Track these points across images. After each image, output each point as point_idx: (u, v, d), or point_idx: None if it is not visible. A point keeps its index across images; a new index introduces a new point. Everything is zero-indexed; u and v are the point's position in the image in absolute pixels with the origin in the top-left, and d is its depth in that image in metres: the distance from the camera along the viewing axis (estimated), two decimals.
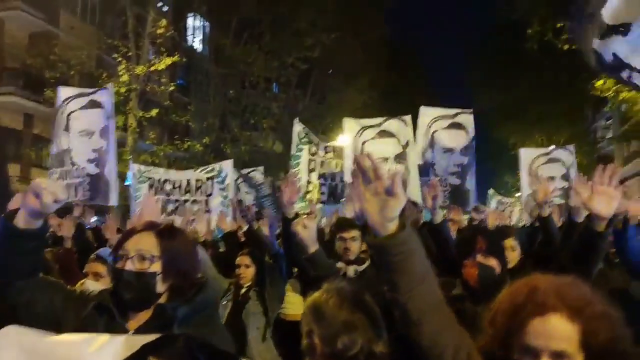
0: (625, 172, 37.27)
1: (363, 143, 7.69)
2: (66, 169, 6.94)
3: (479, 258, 2.78)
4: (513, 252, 3.97)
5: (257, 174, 11.16)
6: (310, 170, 8.23)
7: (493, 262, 2.78)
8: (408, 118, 7.90)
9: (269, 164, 25.42)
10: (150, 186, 8.11)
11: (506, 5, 23.99)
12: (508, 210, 14.80)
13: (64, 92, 7.29)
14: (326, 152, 8.34)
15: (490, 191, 15.60)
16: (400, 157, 7.62)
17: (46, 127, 21.59)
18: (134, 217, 5.25)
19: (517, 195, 32.87)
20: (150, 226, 2.10)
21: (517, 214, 14.04)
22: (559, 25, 20.23)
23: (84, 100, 7.12)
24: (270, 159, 27.83)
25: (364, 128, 7.78)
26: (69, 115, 7.04)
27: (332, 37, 26.13)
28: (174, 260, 2.03)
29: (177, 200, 8.06)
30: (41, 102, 21.24)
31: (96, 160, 6.95)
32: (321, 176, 8.22)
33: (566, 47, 20.47)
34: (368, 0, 29.96)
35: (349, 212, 6.15)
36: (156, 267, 2.00)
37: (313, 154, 8.31)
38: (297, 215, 4.43)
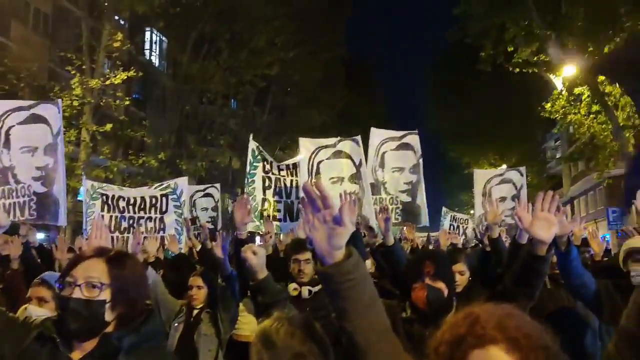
0: (573, 191, 38.68)
1: (319, 163, 7.77)
2: (9, 187, 6.56)
3: (428, 281, 2.83)
4: (462, 276, 4.06)
5: (214, 191, 11.05)
6: (266, 188, 8.20)
7: (441, 285, 2.84)
8: (359, 139, 8.06)
9: (226, 181, 25.31)
10: (104, 203, 7.88)
11: (459, 29, 24.70)
12: (462, 227, 15.08)
13: (1, 106, 6.78)
14: (280, 170, 8.34)
15: (444, 209, 15.86)
16: (355, 177, 7.73)
17: None
18: (84, 242, 5.13)
19: (471, 212, 33.65)
20: (100, 252, 2.05)
21: (471, 231, 14.33)
22: (510, 49, 20.98)
23: (24, 115, 6.69)
24: (227, 176, 27.67)
25: (319, 148, 7.86)
26: (8, 130, 6.62)
27: (290, 56, 26.31)
28: (123, 288, 1.99)
29: (131, 218, 7.87)
30: None
31: (42, 178, 6.61)
32: (277, 193, 8.21)
33: (517, 70, 21.26)
34: (327, 19, 30.31)
35: (302, 233, 6.18)
36: (105, 295, 1.95)
37: (267, 172, 8.29)
38: (252, 235, 4.43)
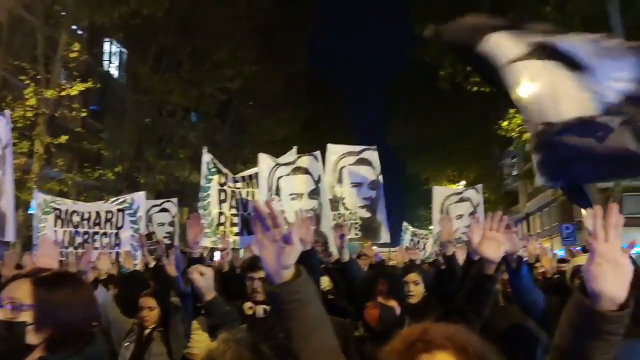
0: (528, 208, 39.67)
1: (278, 179, 7.73)
2: None
3: (380, 300, 2.85)
4: (417, 286, 4.11)
5: (170, 206, 10.86)
6: (221, 201, 8.09)
7: (393, 304, 2.86)
8: (318, 154, 8.05)
9: (185, 195, 24.95)
10: (57, 217, 7.66)
11: (419, 47, 25.20)
12: (422, 242, 15.27)
13: None
14: (236, 182, 8.25)
15: (405, 224, 16.03)
16: (314, 193, 7.70)
17: None
18: (32, 258, 4.90)
19: (430, 227, 34.09)
20: (31, 273, 2.00)
21: (430, 247, 14.53)
22: (468, 68, 21.52)
23: None
24: (186, 189, 27.28)
25: (279, 165, 7.83)
26: None
27: (253, 70, 26.27)
28: (50, 311, 1.92)
29: (85, 233, 7.67)
30: None
31: None
32: (233, 207, 8.12)
33: (475, 89, 21.80)
34: (289, 34, 30.47)
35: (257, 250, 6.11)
36: (26, 316, 1.88)
37: (222, 184, 8.19)
38: (212, 250, 4.37)
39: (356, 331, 2.94)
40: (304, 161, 7.91)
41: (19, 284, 1.94)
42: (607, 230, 1.61)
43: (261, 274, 3.99)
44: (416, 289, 3.99)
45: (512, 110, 22.04)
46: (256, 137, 31.36)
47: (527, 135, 20.72)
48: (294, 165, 7.87)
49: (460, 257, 4.94)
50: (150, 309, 4.57)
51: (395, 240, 13.70)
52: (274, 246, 1.64)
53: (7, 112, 6.66)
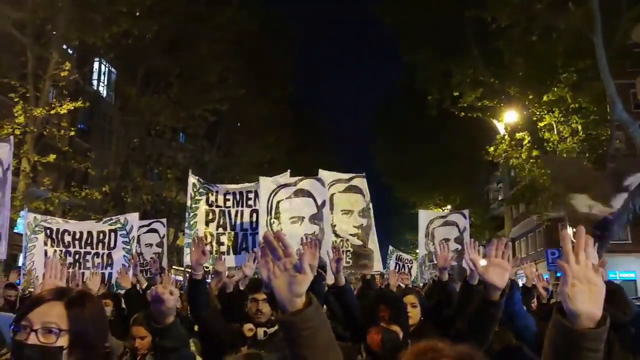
0: (514, 233, 39.91)
1: (278, 202, 7.65)
2: None
3: (383, 324, 2.88)
4: (414, 308, 4.13)
5: (159, 226, 10.80)
6: (209, 221, 8.08)
7: (396, 329, 2.88)
8: (325, 179, 8.01)
9: (172, 215, 24.82)
10: (47, 236, 7.58)
11: (407, 73, 25.56)
12: (407, 266, 15.29)
13: None
14: (226, 200, 8.23)
15: (390, 248, 16.07)
16: (316, 218, 7.58)
17: None
18: (38, 284, 4.79)
19: (417, 251, 34.09)
20: (59, 295, 1.95)
21: (414, 271, 14.56)
22: (455, 94, 21.87)
23: None
24: (173, 210, 27.14)
25: (280, 187, 7.74)
26: None
27: (240, 92, 26.40)
28: (82, 333, 1.90)
29: (77, 253, 7.59)
30: None
31: None
32: (220, 226, 8.10)
33: (462, 114, 22.13)
34: (277, 59, 30.73)
35: (249, 271, 6.09)
36: (63, 341, 1.85)
37: (211, 204, 8.19)
38: (206, 273, 4.37)
39: (359, 355, 2.96)
40: (307, 184, 7.81)
41: (51, 307, 1.90)
42: (577, 252, 1.68)
43: (264, 295, 4.00)
44: (413, 312, 4.01)
45: (498, 136, 22.39)
46: (243, 160, 31.39)
47: (513, 161, 21.04)
48: (296, 188, 7.77)
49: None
50: (142, 339, 4.50)
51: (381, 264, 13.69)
52: (286, 275, 1.66)
53: (12, 138, 6.73)
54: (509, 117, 21.60)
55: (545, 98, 18.55)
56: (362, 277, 7.83)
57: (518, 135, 20.88)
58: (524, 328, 3.48)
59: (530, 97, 19.20)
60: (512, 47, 18.55)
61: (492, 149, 21.87)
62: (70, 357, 1.89)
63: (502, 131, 22.82)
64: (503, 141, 21.47)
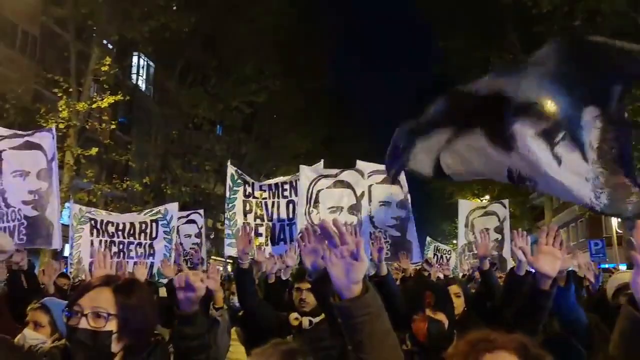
0: (554, 223, 39.06)
1: (318, 191, 7.65)
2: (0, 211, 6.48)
3: (428, 312, 2.84)
4: (458, 298, 4.08)
5: (197, 217, 10.97)
6: (246, 212, 8.17)
7: (442, 317, 2.84)
8: (365, 170, 7.94)
9: (210, 206, 25.18)
10: (92, 227, 7.82)
11: (441, 62, 25.12)
12: (445, 257, 15.14)
13: None
14: (262, 191, 8.30)
15: (428, 239, 15.92)
16: (354, 209, 7.56)
17: None
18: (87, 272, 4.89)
19: (454, 242, 33.67)
20: (108, 281, 2.03)
21: (453, 262, 14.40)
22: None
23: (19, 141, 6.72)
24: (211, 201, 27.52)
25: (320, 177, 7.75)
26: (0, 154, 6.62)
27: (276, 84, 26.49)
28: (130, 319, 1.96)
29: (120, 243, 7.79)
30: None
31: (34, 202, 6.54)
32: (258, 217, 8.17)
33: None
34: (311, 50, 30.68)
35: (291, 260, 6.12)
36: (112, 325, 1.92)
37: (248, 196, 8.27)
38: (252, 263, 4.41)
39: (403, 345, 2.93)
40: (347, 175, 7.80)
41: (100, 292, 1.97)
42: None
43: (309, 284, 4.02)
44: (457, 302, 3.95)
45: None
46: (280, 151, 31.53)
47: None
48: (336, 179, 7.77)
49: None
50: None
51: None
52: (343, 262, 1.69)
53: (53, 128, 7.05)
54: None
55: None
56: (403, 270, 7.76)
57: None
58: (574, 321, 3.33)
59: None
60: (554, 33, 18.00)
61: None
62: (120, 342, 1.95)
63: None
64: None
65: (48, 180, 6.68)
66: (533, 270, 5.18)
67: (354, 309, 1.64)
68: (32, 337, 3.00)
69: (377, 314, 1.67)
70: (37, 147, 6.74)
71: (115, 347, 1.93)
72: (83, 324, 1.90)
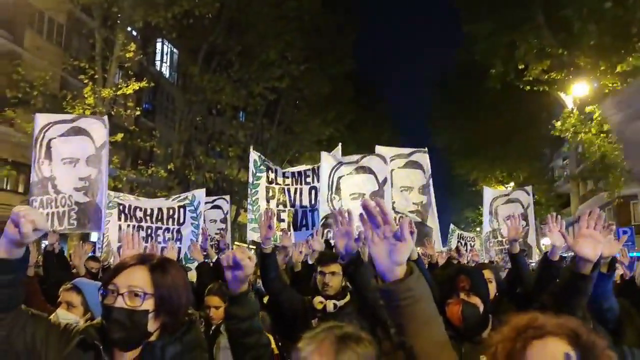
0: (581, 211, 38.43)
1: (339, 178, 7.66)
2: (49, 197, 6.68)
3: (463, 296, 2.79)
4: (490, 284, 4.01)
5: (223, 203, 11.03)
6: (269, 198, 8.20)
7: (477, 301, 2.79)
8: (387, 156, 7.90)
9: (233, 192, 25.34)
10: (120, 212, 7.92)
11: (468, 46, 24.72)
12: (470, 245, 15.06)
13: (42, 119, 7.01)
14: (285, 178, 8.31)
15: (452, 226, 15.85)
16: (377, 194, 7.50)
17: (5, 147, 20.94)
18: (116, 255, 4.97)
19: (477, 229, 33.42)
20: (143, 260, 2.02)
21: (478, 248, 14.31)
22: (521, 66, 20.99)
23: (65, 127, 6.91)
24: (235, 187, 27.69)
25: (341, 163, 7.76)
26: (49, 142, 6.83)
27: (300, 69, 26.38)
28: (166, 297, 1.95)
29: (149, 228, 7.88)
30: (0, 122, 20.66)
31: (85, 188, 6.74)
32: (280, 203, 8.19)
33: (527, 88, 21.25)
34: (336, 35, 30.48)
35: (318, 245, 6.12)
36: (148, 304, 1.92)
37: (271, 182, 8.30)
38: (275, 248, 4.41)
39: None
40: (370, 161, 7.77)
41: (135, 271, 1.97)
42: None
43: (333, 268, 4.00)
44: (489, 287, 3.90)
45: (566, 110, 21.41)
46: (303, 137, 31.49)
47: (581, 136, 20.11)
48: (357, 165, 7.76)
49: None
50: (217, 308, 4.60)
51: (442, 242, 13.60)
52: (385, 243, 1.64)
53: (106, 117, 7.32)
54: (577, 90, 20.54)
55: (619, 68, 17.46)
56: (429, 256, 7.68)
57: (588, 109, 19.84)
58: (608, 309, 3.19)
59: (602, 68, 18.13)
60: (583, 15, 17.54)
61: (559, 123, 20.93)
62: (156, 321, 1.94)
63: (569, 105, 21.79)
64: (571, 115, 20.51)
65: (97, 166, 6.88)
66: (565, 256, 5.09)
67: (397, 291, 1.59)
68: (65, 317, 3.06)
69: (422, 297, 1.62)
70: (83, 132, 6.94)
71: (151, 326, 1.93)
72: (119, 302, 1.89)
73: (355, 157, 7.90)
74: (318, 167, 8.04)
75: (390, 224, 1.64)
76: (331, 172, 7.64)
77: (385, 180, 7.64)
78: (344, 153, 8.44)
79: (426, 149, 8.83)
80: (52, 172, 6.75)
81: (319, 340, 1.80)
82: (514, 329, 1.53)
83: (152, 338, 1.95)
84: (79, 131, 6.89)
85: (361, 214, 1.68)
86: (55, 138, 6.81)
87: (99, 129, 6.99)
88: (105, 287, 1.96)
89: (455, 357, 1.71)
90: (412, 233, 4.21)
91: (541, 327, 1.47)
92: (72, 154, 6.82)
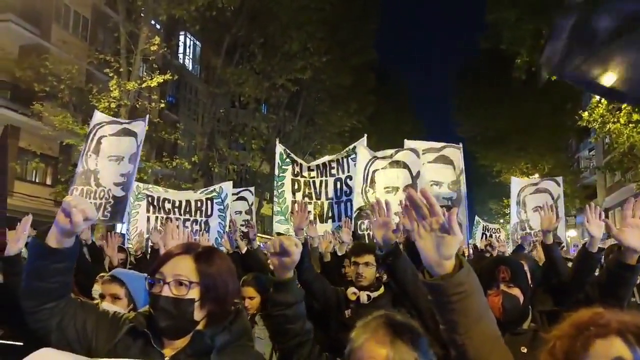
0: (608, 202, 37.83)
1: (374, 172, 7.70)
2: (89, 188, 7.12)
3: (503, 287, 2.75)
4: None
5: (248, 194, 11.10)
6: (295, 190, 8.25)
7: (517, 292, 2.74)
8: (419, 150, 7.91)
9: (256, 184, 25.47)
10: (149, 204, 8.06)
11: (492, 36, 24.38)
12: (495, 236, 14.91)
13: (98, 116, 7.68)
14: (310, 171, 8.35)
15: (477, 219, 15.72)
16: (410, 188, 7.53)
17: (34, 140, 21.29)
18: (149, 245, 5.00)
19: (501, 221, 33.04)
20: (188, 249, 2.03)
21: (504, 240, 14.18)
22: None
23: (117, 128, 7.48)
24: (257, 179, 27.81)
25: (376, 158, 7.81)
26: (100, 139, 7.38)
27: (322, 61, 26.31)
28: (212, 286, 1.96)
29: (177, 219, 7.99)
30: (29, 116, 21.00)
31: (123, 184, 7.19)
32: (306, 195, 8.22)
33: (554, 78, 20.90)
34: (357, 25, 30.30)
35: (347, 237, 6.14)
36: (194, 293, 1.93)
37: (296, 174, 8.35)
38: (306, 240, 4.42)
39: None
40: (404, 155, 7.79)
41: (181, 260, 1.98)
42: None
43: (366, 258, 3.99)
44: None
45: (594, 100, 21.02)
46: (325, 128, 31.46)
47: (609, 126, 19.73)
48: (392, 159, 7.79)
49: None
50: (251, 299, 4.61)
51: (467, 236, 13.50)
52: (433, 236, 1.57)
53: (147, 117, 7.92)
54: (606, 80, 20.13)
55: None
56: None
57: None
58: None
59: None
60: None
61: (586, 114, 20.58)
62: (202, 310, 1.96)
63: (596, 95, 21.39)
64: (599, 105, 20.13)
65: (134, 163, 7.40)
66: (604, 247, 4.99)
67: (446, 287, 1.52)
68: (112, 310, 3.05)
69: (473, 292, 1.55)
70: (132, 134, 7.49)
71: (198, 314, 1.94)
72: (166, 291, 1.91)
73: (389, 152, 7.93)
74: (343, 158, 8.07)
75: (437, 215, 1.57)
76: (367, 164, 7.68)
77: (418, 173, 7.66)
78: (367, 144, 8.44)
79: (460, 145, 8.74)
80: (96, 166, 7.23)
81: (372, 329, 1.78)
82: (574, 326, 1.43)
83: (200, 327, 1.97)
84: (128, 132, 7.44)
85: (406, 205, 1.63)
86: (106, 136, 7.38)
87: (142, 130, 7.49)
88: (152, 276, 1.98)
89: (508, 353, 1.64)
90: (460, 225, 4.17)
91: (605, 325, 1.36)
92: (119, 152, 7.34)
